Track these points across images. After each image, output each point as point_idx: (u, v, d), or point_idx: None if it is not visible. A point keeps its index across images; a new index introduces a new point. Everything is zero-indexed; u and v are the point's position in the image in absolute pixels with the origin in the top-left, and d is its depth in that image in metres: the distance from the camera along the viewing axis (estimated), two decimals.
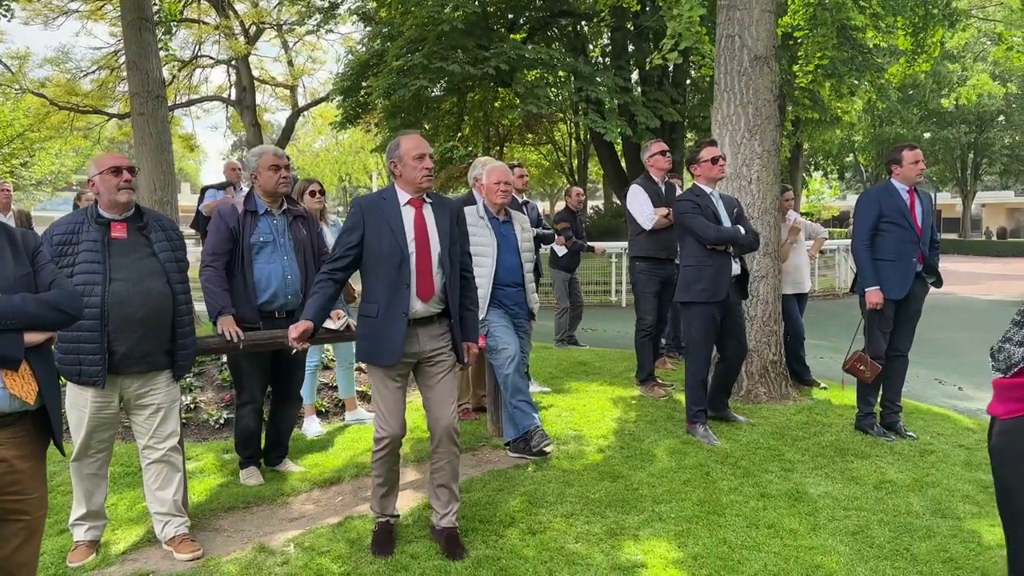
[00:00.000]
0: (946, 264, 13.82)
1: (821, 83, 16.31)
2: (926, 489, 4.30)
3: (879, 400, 5.38)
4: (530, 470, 4.58)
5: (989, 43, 34.15)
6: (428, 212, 3.59)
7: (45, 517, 2.45)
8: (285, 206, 4.46)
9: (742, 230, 5.14)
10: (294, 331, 3.56)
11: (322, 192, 5.53)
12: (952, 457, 4.84)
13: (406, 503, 4.09)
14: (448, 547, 3.53)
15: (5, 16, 10.43)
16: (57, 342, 3.46)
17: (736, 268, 5.21)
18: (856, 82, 18.60)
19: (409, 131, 3.47)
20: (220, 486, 4.46)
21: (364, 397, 6.17)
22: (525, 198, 6.93)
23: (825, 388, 6.65)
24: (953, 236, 45.91)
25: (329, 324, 4.27)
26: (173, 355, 3.59)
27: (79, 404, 3.47)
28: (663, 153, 6.39)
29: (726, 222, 5.14)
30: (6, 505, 2.28)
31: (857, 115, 24.63)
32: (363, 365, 4.04)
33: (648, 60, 10.22)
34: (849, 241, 6.58)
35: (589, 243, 9.25)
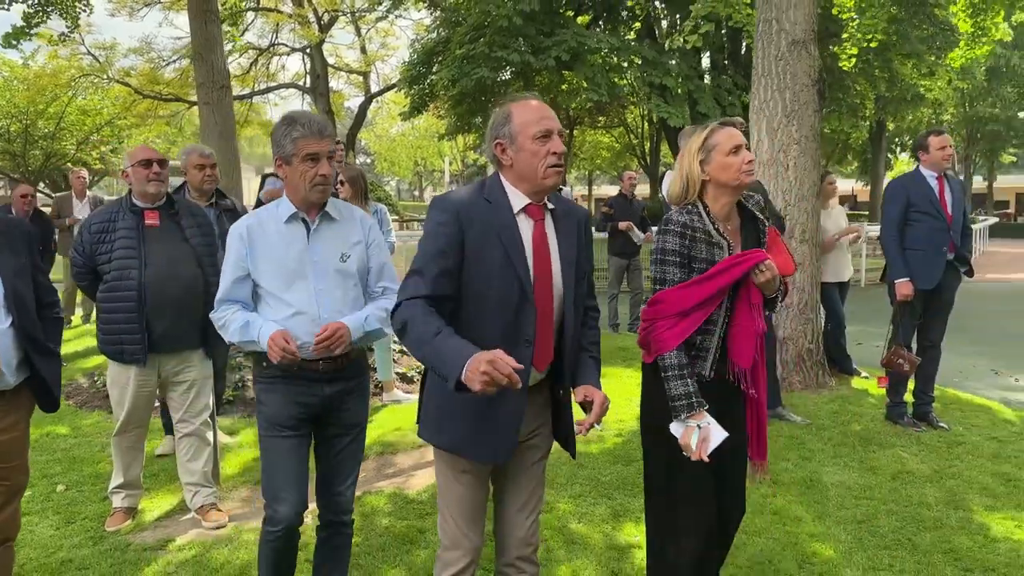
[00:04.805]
0: None
1: (876, 66, 15.85)
2: (944, 480, 4.24)
3: (911, 390, 5.29)
4: None
5: None
6: (550, 227, 2.30)
7: (26, 483, 2.72)
8: (213, 199, 4.81)
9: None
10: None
11: (350, 183, 5.44)
12: (981, 449, 4.75)
13: None
14: None
15: (84, 10, 11.02)
16: (99, 324, 3.76)
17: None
18: (936, 60, 17.95)
19: (524, 95, 2.31)
20: (255, 460, 4.72)
21: (404, 379, 6.37)
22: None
23: (866, 377, 6.54)
24: None
25: None
26: (206, 332, 3.80)
27: (120, 382, 3.75)
28: None
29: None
30: None
31: (943, 93, 23.57)
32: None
33: (668, 41, 10.12)
34: None
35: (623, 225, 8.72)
